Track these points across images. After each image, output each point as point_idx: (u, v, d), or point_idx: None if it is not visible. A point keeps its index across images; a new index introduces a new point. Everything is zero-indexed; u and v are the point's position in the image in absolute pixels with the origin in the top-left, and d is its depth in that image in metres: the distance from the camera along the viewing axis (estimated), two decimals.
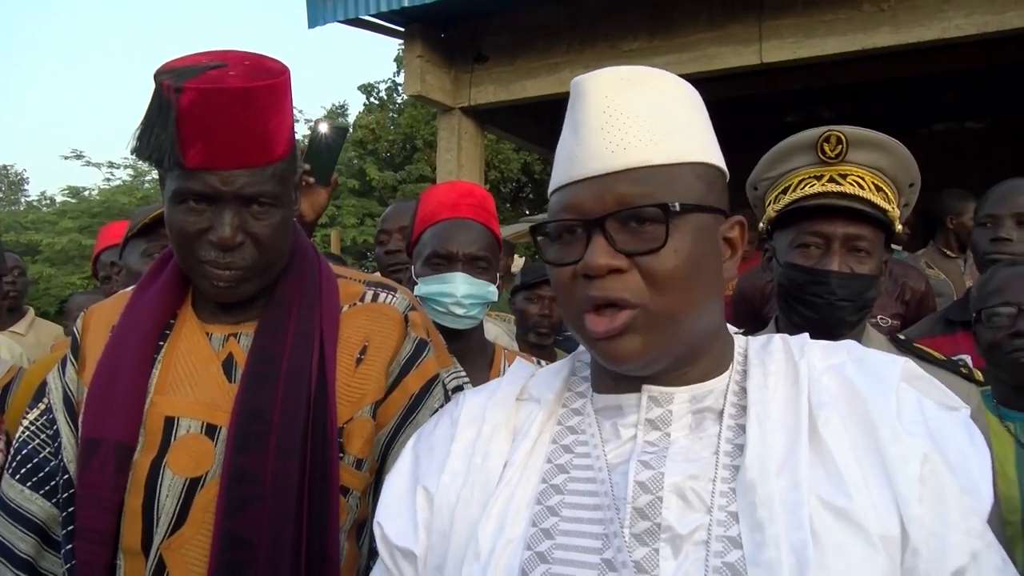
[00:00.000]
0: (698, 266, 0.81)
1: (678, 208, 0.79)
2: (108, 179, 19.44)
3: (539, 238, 0.87)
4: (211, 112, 1.09)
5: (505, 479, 0.86)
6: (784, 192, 1.56)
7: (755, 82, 6.12)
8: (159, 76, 1.12)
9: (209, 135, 1.11)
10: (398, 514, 0.91)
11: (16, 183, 38.45)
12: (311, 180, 1.93)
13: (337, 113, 23.57)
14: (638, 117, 0.81)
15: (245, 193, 1.15)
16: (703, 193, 0.83)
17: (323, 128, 1.96)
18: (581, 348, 0.99)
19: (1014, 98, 7.27)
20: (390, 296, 1.32)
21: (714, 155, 0.86)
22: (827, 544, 0.72)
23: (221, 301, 1.24)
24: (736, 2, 5.22)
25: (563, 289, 0.84)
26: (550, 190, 0.88)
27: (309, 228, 2.02)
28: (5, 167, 38.74)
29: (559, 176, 0.85)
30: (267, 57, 1.20)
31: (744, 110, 6.77)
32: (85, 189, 19.04)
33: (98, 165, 19.01)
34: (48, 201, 21.85)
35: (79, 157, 18.36)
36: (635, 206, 0.79)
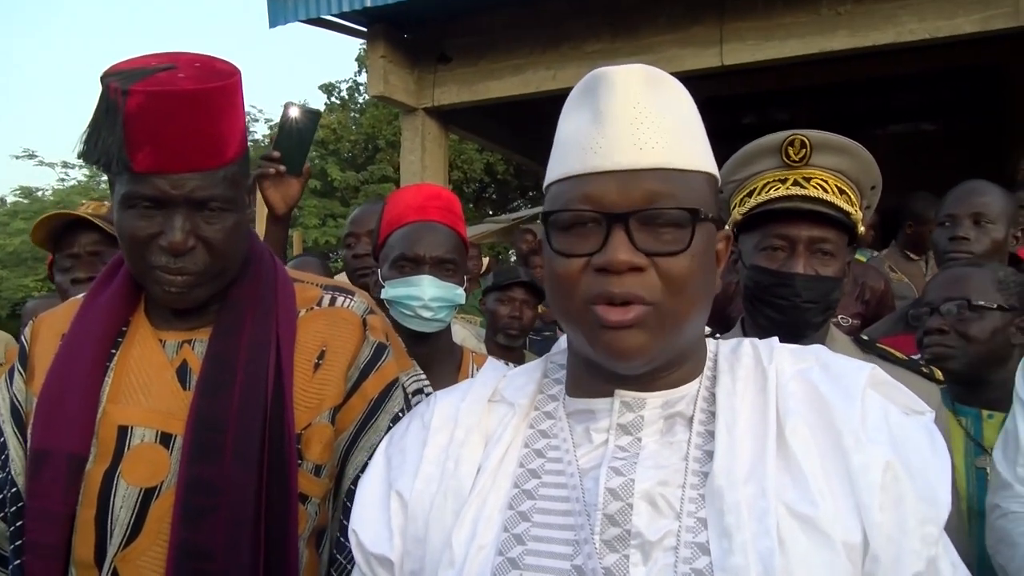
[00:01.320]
0: (704, 272, 0.82)
1: (704, 215, 0.80)
2: (63, 179, 19.06)
3: (547, 227, 0.85)
4: (160, 115, 1.07)
5: (478, 486, 0.86)
6: (749, 195, 1.57)
7: (713, 84, 6.20)
8: (106, 79, 1.09)
9: (158, 138, 1.08)
10: (372, 520, 0.90)
11: None
12: (282, 169, 1.82)
13: None
14: (664, 119, 0.81)
15: (196, 197, 1.12)
16: (711, 203, 0.84)
17: (293, 112, 1.82)
18: (554, 350, 0.99)
19: (966, 101, 7.47)
20: (348, 300, 1.30)
21: (714, 167, 0.87)
22: (793, 551, 0.73)
23: (173, 307, 1.21)
24: (697, 5, 5.29)
25: (568, 280, 0.81)
26: (556, 176, 0.85)
27: (283, 223, 1.91)
28: None
29: (574, 164, 0.82)
30: (217, 59, 1.17)
31: (702, 112, 6.82)
32: (38, 189, 18.66)
33: (52, 165, 18.63)
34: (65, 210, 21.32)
35: (31, 156, 17.99)
36: (663, 207, 0.79)
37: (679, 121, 0.82)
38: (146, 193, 1.11)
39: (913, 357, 1.72)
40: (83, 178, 18.52)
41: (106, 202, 2.07)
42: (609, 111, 0.81)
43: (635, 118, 0.80)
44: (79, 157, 1.13)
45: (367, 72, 7.03)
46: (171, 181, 1.10)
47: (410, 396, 1.33)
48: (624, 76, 0.82)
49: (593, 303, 0.80)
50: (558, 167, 0.85)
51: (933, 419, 0.85)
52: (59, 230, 2.00)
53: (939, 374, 1.63)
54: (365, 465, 1.23)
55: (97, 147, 1.09)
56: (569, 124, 0.85)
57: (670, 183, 0.79)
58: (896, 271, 3.58)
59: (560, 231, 0.83)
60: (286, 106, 1.83)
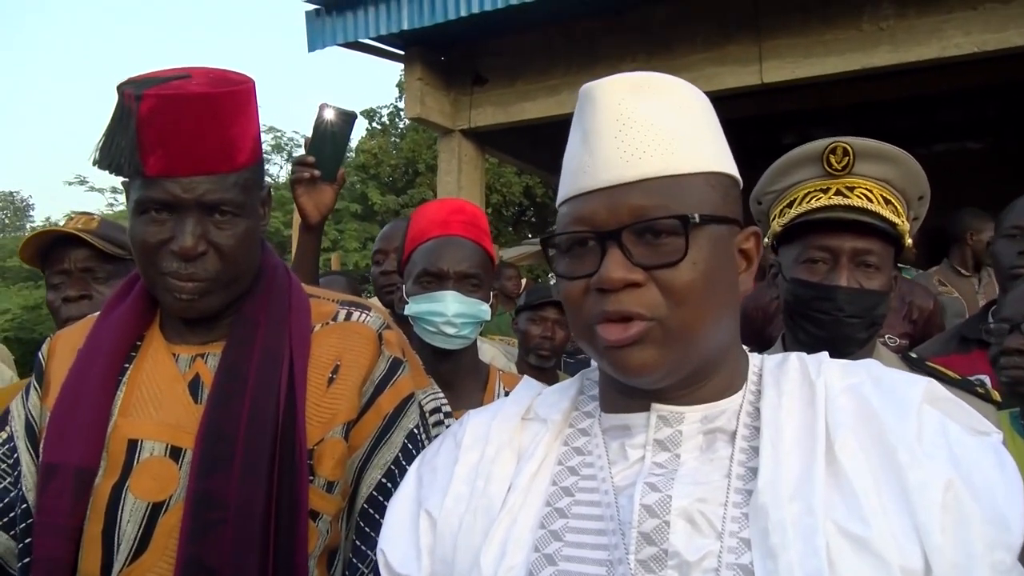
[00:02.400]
0: (715, 279, 0.78)
1: (697, 220, 0.76)
2: (111, 204, 19.57)
3: (549, 251, 0.85)
4: (171, 118, 1.08)
5: (508, 504, 0.83)
6: (789, 206, 1.50)
7: (752, 103, 6.12)
8: (122, 87, 1.11)
9: (169, 142, 1.09)
10: (401, 540, 0.87)
11: (22, 209, 38.48)
12: (316, 174, 1.76)
13: None
14: (652, 125, 0.78)
15: (206, 200, 1.12)
16: (718, 203, 0.80)
17: (328, 115, 1.75)
18: (590, 366, 0.96)
19: (1014, 117, 7.25)
20: (363, 315, 1.28)
21: (727, 164, 0.83)
22: (843, 573, 0.67)
23: (185, 316, 1.20)
24: (732, 23, 5.23)
25: (574, 302, 0.81)
26: (558, 201, 0.85)
27: (316, 232, 1.86)
28: (11, 193, 38.70)
29: (568, 187, 0.82)
30: (232, 71, 1.19)
31: (742, 131, 6.74)
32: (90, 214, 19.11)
33: (101, 190, 19.20)
34: (53, 226, 22.06)
35: (83, 182, 18.60)
36: (652, 218, 0.76)
37: (670, 125, 0.78)
38: (157, 197, 1.12)
39: (970, 378, 1.61)
40: None
41: (96, 216, 2.03)
42: (594, 128, 0.80)
43: (619, 131, 0.78)
44: (93, 164, 1.14)
45: (404, 94, 7.10)
46: (182, 185, 1.11)
47: (427, 414, 1.30)
48: (607, 89, 0.80)
49: (596, 323, 0.78)
50: (560, 192, 0.85)
51: (1000, 440, 0.78)
52: (48, 247, 1.93)
53: (996, 395, 1.53)
54: (379, 483, 1.21)
55: (111, 151, 1.11)
56: (568, 147, 0.85)
57: (661, 192, 0.76)
58: (946, 284, 3.44)
59: (562, 254, 0.82)
60: (321, 107, 1.76)
